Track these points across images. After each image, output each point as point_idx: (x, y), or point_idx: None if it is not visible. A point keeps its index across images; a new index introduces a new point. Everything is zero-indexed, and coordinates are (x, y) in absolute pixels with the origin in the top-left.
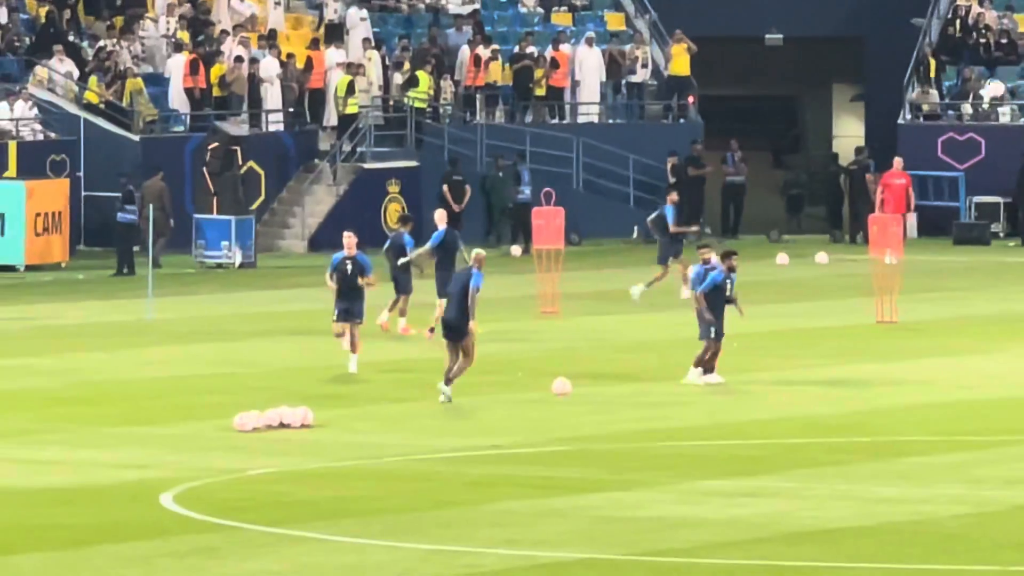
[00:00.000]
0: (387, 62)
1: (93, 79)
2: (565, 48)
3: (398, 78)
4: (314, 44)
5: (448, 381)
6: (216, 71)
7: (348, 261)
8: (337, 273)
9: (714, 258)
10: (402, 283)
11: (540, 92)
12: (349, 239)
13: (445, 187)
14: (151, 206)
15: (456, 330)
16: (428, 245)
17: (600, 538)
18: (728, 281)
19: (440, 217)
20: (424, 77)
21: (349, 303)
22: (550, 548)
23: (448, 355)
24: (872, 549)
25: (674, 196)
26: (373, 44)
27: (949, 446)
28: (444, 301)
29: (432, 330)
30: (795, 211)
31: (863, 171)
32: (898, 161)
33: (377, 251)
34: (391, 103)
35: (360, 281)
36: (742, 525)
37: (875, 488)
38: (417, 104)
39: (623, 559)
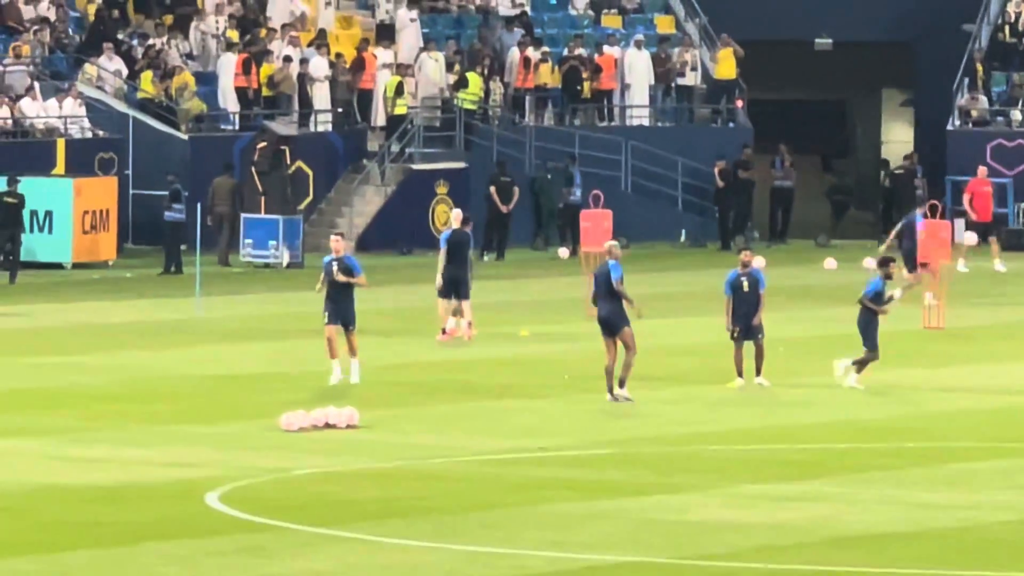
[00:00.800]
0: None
1: (148, 74)
2: (613, 51)
3: (449, 79)
4: (363, 44)
5: (621, 383)
6: (266, 71)
7: (335, 263)
8: (325, 275)
9: (755, 261)
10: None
11: (586, 95)
12: (336, 242)
13: (493, 188)
14: (209, 202)
15: (612, 325)
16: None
17: (646, 541)
18: (884, 288)
19: (455, 217)
20: (475, 78)
21: (337, 304)
22: (596, 551)
23: (607, 352)
24: (918, 554)
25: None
26: (426, 46)
27: (996, 452)
28: (445, 301)
29: (444, 331)
30: (840, 215)
31: (910, 176)
32: (983, 170)
33: (425, 251)
34: (441, 104)
35: (346, 278)
36: (788, 529)
37: (922, 493)
38: (467, 106)
39: (669, 563)
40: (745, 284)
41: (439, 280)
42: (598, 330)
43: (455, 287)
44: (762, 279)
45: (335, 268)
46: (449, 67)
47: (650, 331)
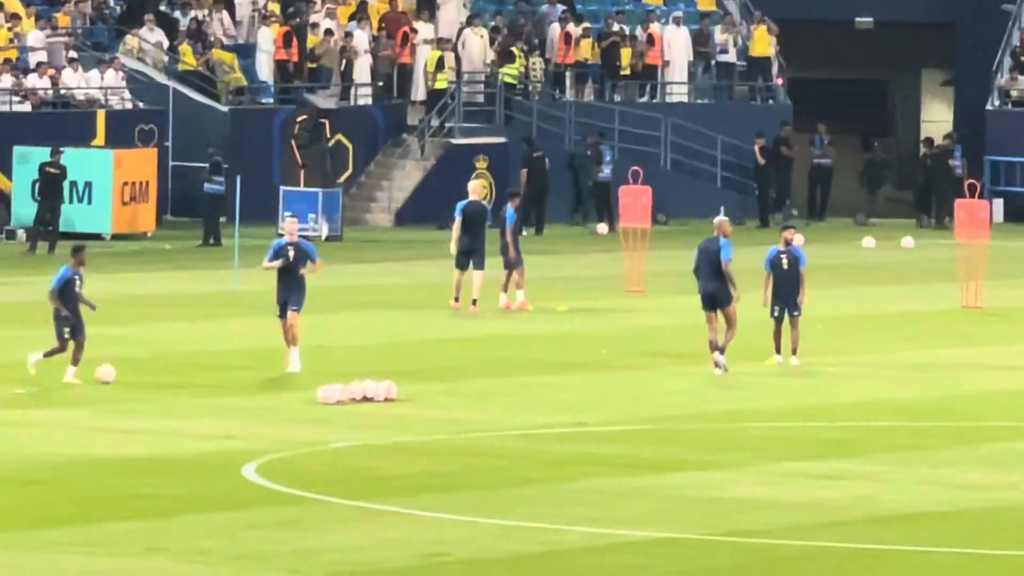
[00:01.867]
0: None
1: (186, 48)
2: (652, 27)
3: (490, 54)
4: (404, 18)
5: (721, 351)
6: (312, 41)
7: (291, 247)
8: (280, 259)
9: (796, 239)
10: (517, 258)
11: (625, 71)
12: (291, 223)
13: (524, 172)
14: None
15: (717, 299)
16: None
17: (682, 518)
18: None
19: (472, 188)
20: (518, 53)
21: (289, 294)
22: (632, 527)
23: (710, 326)
24: (954, 534)
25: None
26: (469, 21)
27: None
28: (459, 272)
29: (470, 301)
30: (874, 191)
31: (945, 156)
32: None
33: None
34: (483, 79)
35: (304, 270)
36: (824, 508)
37: (958, 473)
38: (507, 80)
39: (705, 539)
40: (785, 262)
41: (453, 249)
42: (634, 305)
43: (470, 258)
44: (802, 257)
45: (292, 255)
46: (492, 42)
47: (689, 308)
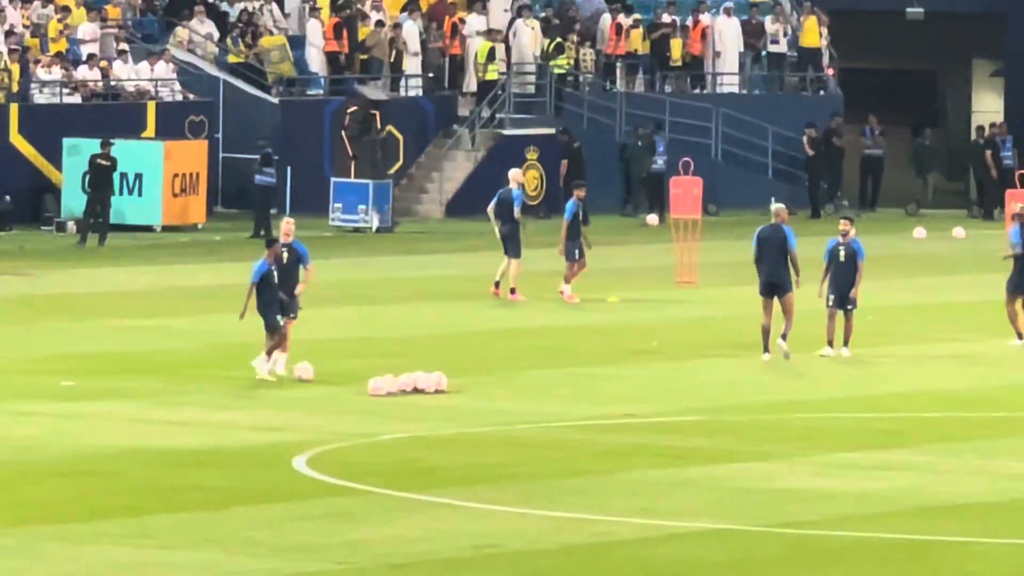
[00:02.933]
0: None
1: (230, 41)
2: (703, 18)
3: (541, 45)
4: (453, 9)
5: (784, 336)
6: (363, 33)
7: (285, 249)
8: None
9: (852, 230)
10: (570, 250)
11: (676, 61)
12: (287, 225)
13: (564, 163)
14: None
15: (778, 287)
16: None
17: (733, 509)
18: None
19: (512, 175)
20: (569, 45)
21: (286, 295)
22: (683, 518)
23: (765, 312)
24: (1005, 524)
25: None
26: (520, 12)
27: None
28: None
29: (511, 290)
30: (922, 175)
31: (987, 146)
32: None
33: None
34: (534, 70)
35: (300, 286)
36: (875, 498)
37: (1010, 463)
38: (558, 71)
39: (756, 530)
40: (842, 253)
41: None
42: (685, 296)
43: (504, 245)
44: (861, 250)
45: (286, 257)
46: (544, 32)
47: (740, 299)
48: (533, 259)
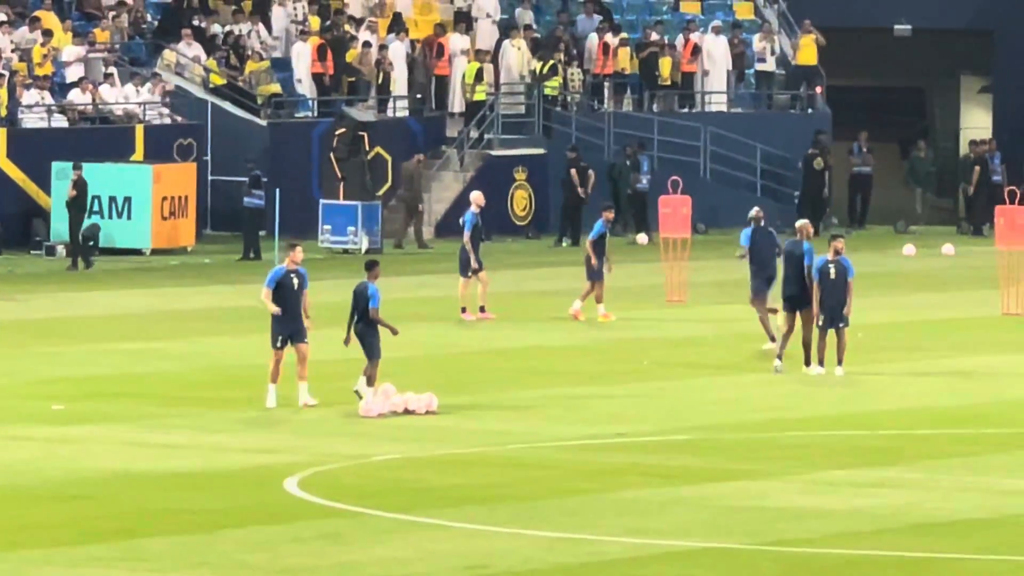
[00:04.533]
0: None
1: (212, 62)
2: (691, 37)
3: (531, 65)
4: (440, 30)
5: (779, 356)
6: (350, 55)
7: (293, 275)
8: (282, 290)
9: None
10: (594, 271)
11: (664, 81)
12: (296, 252)
13: (573, 171)
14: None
15: (799, 303)
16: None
17: (725, 527)
18: None
19: (473, 198)
20: (559, 65)
21: (294, 324)
22: (674, 537)
23: (785, 323)
24: (998, 541)
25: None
26: (507, 33)
27: None
28: (464, 280)
29: (482, 310)
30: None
31: (975, 162)
32: None
33: (503, 237)
34: (522, 91)
35: (306, 318)
36: (868, 516)
37: (1002, 480)
38: (547, 91)
39: (748, 548)
40: (833, 271)
41: (475, 263)
42: (675, 315)
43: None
44: (850, 268)
45: (295, 283)
46: (532, 53)
47: (730, 317)
48: (522, 280)
